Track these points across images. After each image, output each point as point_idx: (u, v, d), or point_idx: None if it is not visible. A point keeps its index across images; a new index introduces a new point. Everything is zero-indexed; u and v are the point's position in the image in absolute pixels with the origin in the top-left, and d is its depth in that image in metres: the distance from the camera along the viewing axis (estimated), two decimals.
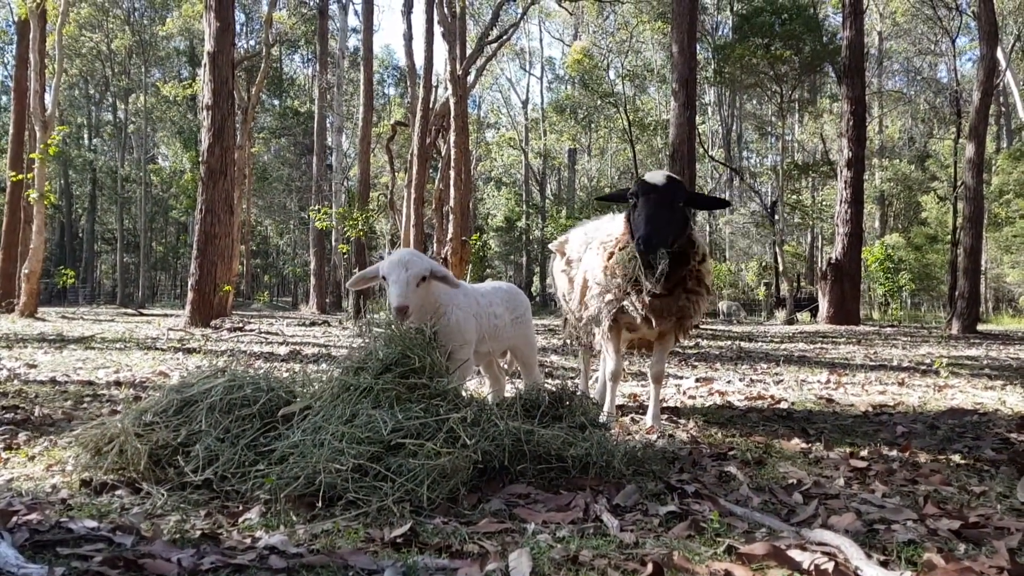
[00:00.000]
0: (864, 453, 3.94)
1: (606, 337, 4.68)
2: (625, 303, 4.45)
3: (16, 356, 8.24)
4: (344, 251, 26.34)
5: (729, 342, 13.53)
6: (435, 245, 25.50)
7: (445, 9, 19.87)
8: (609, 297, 4.49)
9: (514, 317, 4.36)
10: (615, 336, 4.69)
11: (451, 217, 19.76)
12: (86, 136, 49.88)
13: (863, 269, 24.80)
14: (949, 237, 28.39)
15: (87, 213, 50.38)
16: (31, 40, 18.60)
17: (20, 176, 19.07)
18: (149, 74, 43.15)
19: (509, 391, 4.67)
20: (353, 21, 39.87)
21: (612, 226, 4.77)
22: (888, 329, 19.91)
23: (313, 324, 17.71)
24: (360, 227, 23.80)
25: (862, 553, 2.24)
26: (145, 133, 44.24)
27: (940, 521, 2.64)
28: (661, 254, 4.12)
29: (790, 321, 24.38)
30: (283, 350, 9.77)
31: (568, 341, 5.83)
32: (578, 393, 3.81)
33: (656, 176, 4.32)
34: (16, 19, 23.11)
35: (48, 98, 18.86)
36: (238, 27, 36.10)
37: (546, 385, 3.77)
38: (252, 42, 46.34)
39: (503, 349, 4.49)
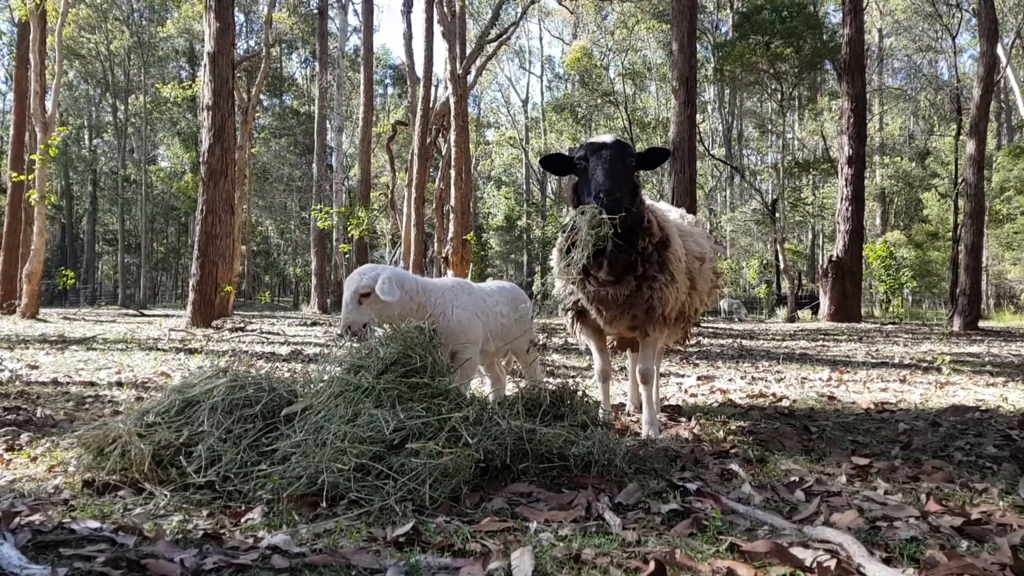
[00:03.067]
0: (866, 451, 3.94)
1: (583, 334, 4.56)
2: (578, 295, 4.24)
3: (18, 357, 8.25)
4: (345, 251, 26.35)
5: (730, 340, 13.53)
6: (436, 244, 25.52)
7: (445, 8, 19.87)
8: (569, 288, 4.31)
9: (518, 316, 4.37)
10: (591, 333, 4.55)
11: (452, 216, 19.75)
12: (86, 137, 49.90)
13: (864, 266, 24.78)
14: (950, 234, 28.38)
15: (88, 214, 50.40)
16: (31, 41, 18.60)
17: (21, 177, 19.08)
18: (149, 75, 43.12)
19: (510, 390, 4.67)
20: (353, 21, 39.89)
21: None
22: (889, 326, 19.90)
23: (314, 324, 17.70)
24: (364, 226, 23.80)
25: (865, 550, 2.24)
26: (145, 134, 44.23)
27: (942, 518, 2.64)
28: (605, 223, 3.70)
29: (791, 319, 24.38)
30: (284, 350, 9.78)
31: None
32: (578, 392, 3.80)
33: (603, 136, 4.03)
34: (17, 20, 23.10)
35: (48, 99, 18.86)
36: (237, 27, 36.07)
37: (547, 384, 3.77)
38: (252, 42, 46.38)
39: (506, 348, 4.50)
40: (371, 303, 3.62)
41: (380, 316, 3.66)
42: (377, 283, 3.61)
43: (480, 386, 5.48)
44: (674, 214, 4.70)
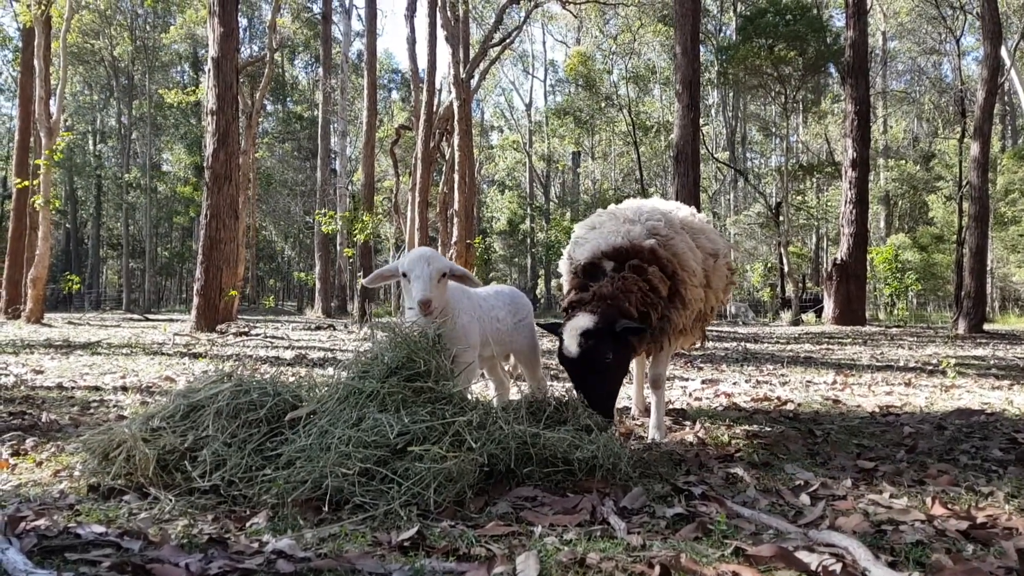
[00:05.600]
0: (871, 454, 3.93)
1: None
2: None
3: (23, 362, 8.26)
4: (349, 255, 26.37)
5: (735, 343, 13.51)
6: (440, 248, 25.53)
7: (448, 13, 19.90)
8: None
9: (516, 320, 4.36)
10: None
11: (455, 220, 19.79)
12: (91, 142, 50.05)
13: (869, 269, 24.74)
14: (955, 237, 28.32)
15: (92, 219, 50.52)
16: (36, 47, 18.68)
17: (26, 183, 19.12)
18: (153, 80, 43.23)
19: (514, 394, 4.67)
20: (356, 26, 39.97)
21: (606, 225, 4.39)
22: (894, 329, 19.87)
23: (318, 328, 17.72)
24: (369, 230, 23.82)
25: (870, 554, 2.23)
26: (150, 139, 44.35)
27: (948, 522, 2.63)
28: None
29: (796, 322, 24.34)
30: (289, 354, 9.78)
31: None
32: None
33: (571, 343, 3.81)
34: (21, 26, 23.18)
35: (53, 105, 18.93)
36: (241, 32, 36.14)
37: (550, 388, 3.77)
38: (255, 47, 46.49)
39: (505, 352, 4.49)
40: (440, 285, 3.66)
41: (439, 298, 3.69)
42: (453, 268, 3.75)
43: (484, 390, 5.48)
44: (684, 211, 4.67)
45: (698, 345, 5.65)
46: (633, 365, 5.34)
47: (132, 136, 47.40)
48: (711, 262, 4.53)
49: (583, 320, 3.84)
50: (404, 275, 3.65)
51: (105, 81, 46.39)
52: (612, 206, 4.69)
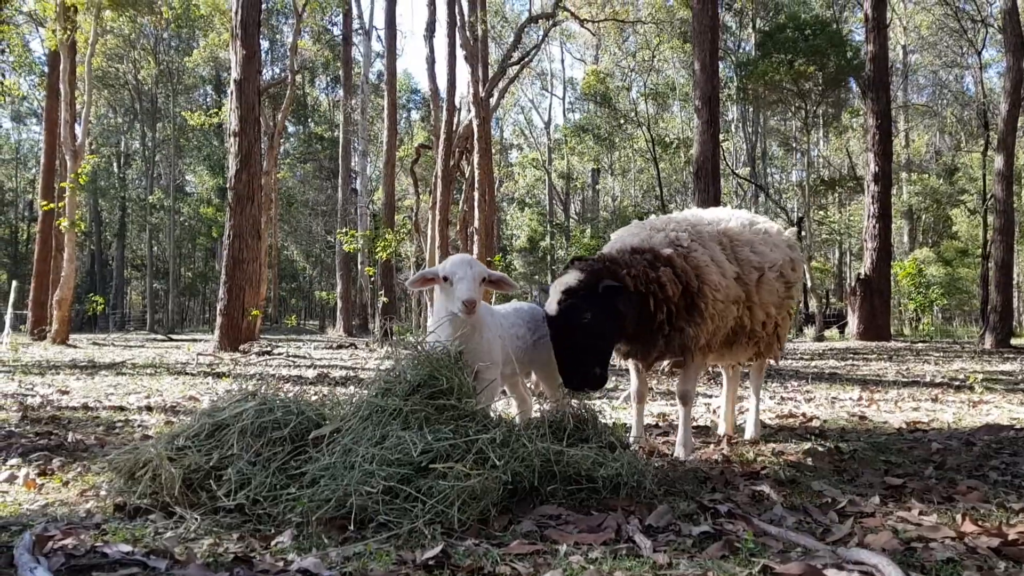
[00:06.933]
0: (899, 471, 3.89)
1: (620, 356, 4.51)
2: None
3: (49, 383, 8.34)
4: (371, 274, 26.46)
5: None
6: None
7: (467, 33, 20.04)
8: None
9: (536, 338, 4.34)
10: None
11: (476, 238, 19.84)
12: (115, 165, 50.64)
13: (893, 284, 24.52)
14: (980, 251, 28.06)
15: (117, 240, 51.04)
16: (61, 71, 18.97)
17: (51, 205, 19.36)
18: (176, 103, 43.76)
19: (536, 412, 4.65)
20: (376, 47, 40.27)
21: (628, 234, 4.42)
22: (919, 344, 19.67)
23: (340, 347, 17.77)
24: (390, 249, 23.91)
25: (900, 572, 2.20)
26: (173, 161, 44.84)
27: (979, 539, 2.59)
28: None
29: (819, 338, 24.15)
30: (311, 373, 9.82)
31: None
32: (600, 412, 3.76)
33: (552, 299, 3.85)
34: (47, 51, 23.55)
35: (78, 128, 19.18)
36: (263, 55, 36.53)
37: (571, 405, 3.74)
38: (277, 69, 46.94)
39: (526, 370, 4.47)
40: (481, 289, 3.69)
41: (479, 301, 3.70)
42: (490, 273, 3.78)
43: (507, 407, 5.47)
44: (737, 221, 4.57)
45: (775, 363, 5.54)
46: (723, 377, 5.26)
47: (156, 158, 47.92)
48: (754, 275, 4.40)
49: (569, 277, 3.85)
50: (445, 279, 3.66)
51: (129, 104, 46.97)
52: (653, 217, 4.69)
